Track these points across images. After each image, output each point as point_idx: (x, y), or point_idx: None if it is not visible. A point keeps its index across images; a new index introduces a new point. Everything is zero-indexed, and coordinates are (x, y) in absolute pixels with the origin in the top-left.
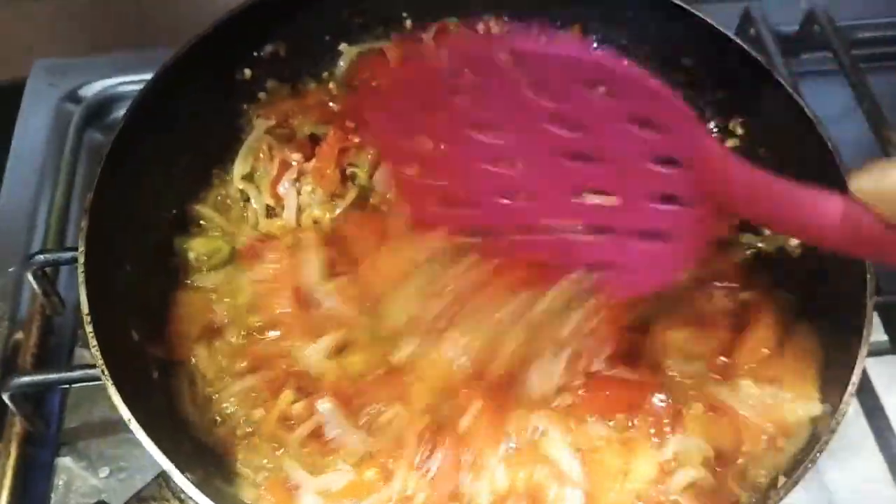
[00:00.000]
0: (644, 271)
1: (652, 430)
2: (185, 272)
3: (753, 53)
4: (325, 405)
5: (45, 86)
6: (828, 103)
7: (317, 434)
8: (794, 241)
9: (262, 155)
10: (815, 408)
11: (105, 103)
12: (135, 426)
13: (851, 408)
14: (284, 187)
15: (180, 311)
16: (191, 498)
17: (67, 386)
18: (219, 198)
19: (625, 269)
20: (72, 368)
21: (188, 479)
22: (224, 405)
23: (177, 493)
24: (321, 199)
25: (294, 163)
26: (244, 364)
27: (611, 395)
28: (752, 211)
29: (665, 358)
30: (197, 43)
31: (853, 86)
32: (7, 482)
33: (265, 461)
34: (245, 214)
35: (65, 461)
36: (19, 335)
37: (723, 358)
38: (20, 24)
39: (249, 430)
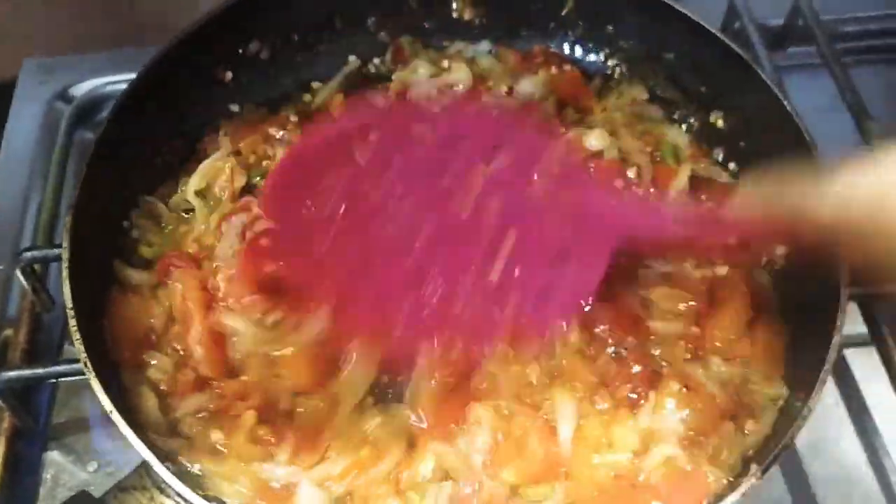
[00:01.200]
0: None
1: (633, 395)
2: (127, 261)
3: (734, 47)
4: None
5: (35, 84)
6: (812, 96)
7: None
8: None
9: (223, 176)
10: (780, 390)
11: (95, 102)
12: (116, 417)
13: (831, 397)
14: (230, 225)
15: (118, 311)
16: (171, 487)
17: (55, 381)
18: (169, 199)
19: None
20: (58, 363)
21: (168, 469)
22: (182, 420)
23: (157, 482)
24: None
25: (253, 209)
26: (191, 377)
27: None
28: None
29: (646, 314)
30: (181, 41)
31: (836, 78)
32: None
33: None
34: (187, 221)
35: (53, 455)
36: (8, 332)
37: (695, 328)
38: (11, 21)
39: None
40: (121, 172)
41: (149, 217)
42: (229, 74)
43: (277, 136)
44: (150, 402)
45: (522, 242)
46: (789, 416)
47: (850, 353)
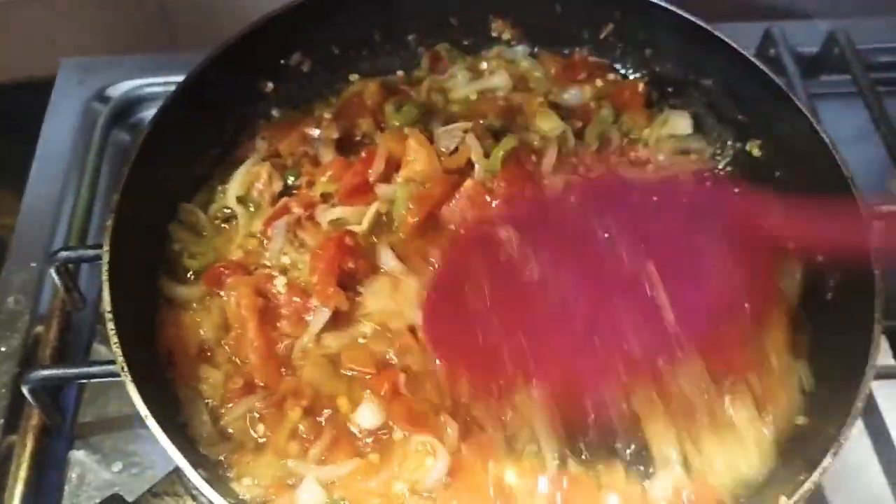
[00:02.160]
0: None
1: None
2: (173, 276)
3: (771, 75)
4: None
5: (72, 84)
6: (845, 125)
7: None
8: None
9: (261, 179)
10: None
11: (131, 103)
12: (151, 423)
13: (855, 428)
14: (277, 228)
15: (170, 330)
16: (202, 494)
17: (85, 381)
18: (209, 205)
19: None
20: (90, 364)
21: (201, 475)
22: (230, 424)
23: (189, 489)
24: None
25: (294, 210)
26: (240, 383)
27: None
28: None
29: None
30: (225, 49)
31: (870, 109)
32: (22, 474)
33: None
34: (227, 230)
35: (78, 455)
36: (39, 329)
37: None
38: (50, 21)
39: (260, 441)
40: (160, 178)
41: (187, 228)
42: (270, 85)
43: (314, 135)
44: (203, 416)
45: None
46: (816, 446)
47: (876, 385)
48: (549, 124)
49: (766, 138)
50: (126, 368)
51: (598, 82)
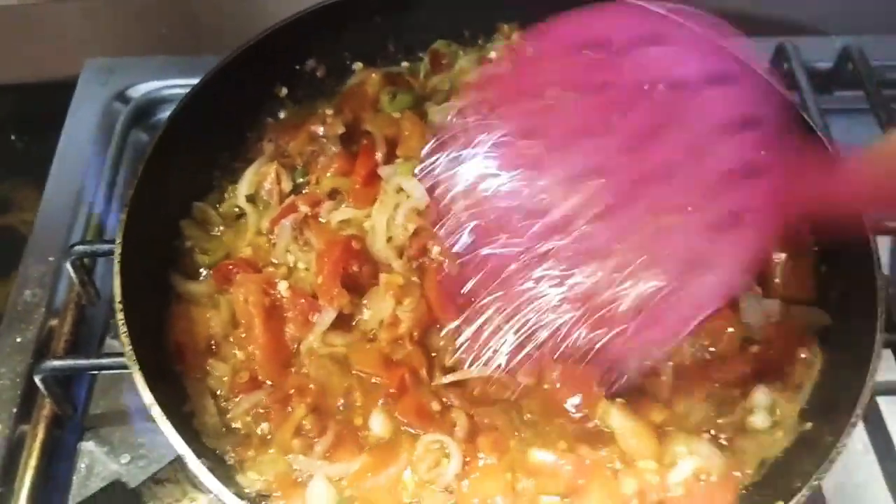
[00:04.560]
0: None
1: None
2: (184, 271)
3: (779, 87)
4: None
5: (96, 84)
6: (858, 141)
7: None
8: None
9: (269, 178)
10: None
11: (151, 104)
12: (155, 411)
13: (860, 443)
14: (282, 227)
15: (179, 323)
16: (204, 483)
17: (96, 373)
18: (219, 204)
19: None
20: (101, 356)
21: (203, 464)
22: (236, 418)
23: (191, 477)
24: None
25: (301, 208)
26: (246, 378)
27: None
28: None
29: None
30: (242, 53)
31: (882, 125)
32: (33, 462)
33: (275, 465)
34: (237, 227)
35: (88, 445)
36: (54, 322)
37: None
38: (77, 22)
39: (265, 437)
40: (174, 176)
41: (198, 225)
42: (285, 90)
43: (320, 133)
44: (210, 409)
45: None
46: (816, 452)
47: (882, 401)
48: None
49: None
50: (133, 358)
51: None
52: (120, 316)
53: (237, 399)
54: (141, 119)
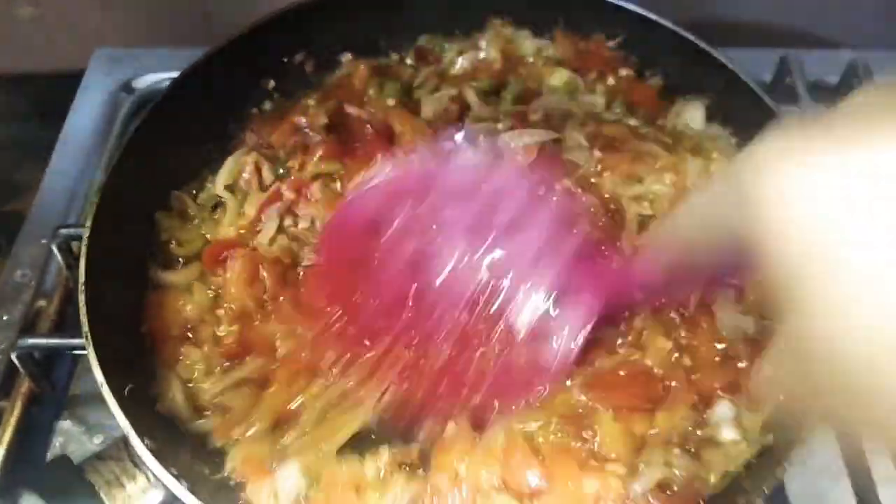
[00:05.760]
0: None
1: None
2: (161, 262)
3: (767, 100)
4: None
5: (102, 74)
6: None
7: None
8: None
9: (247, 168)
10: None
11: (154, 95)
12: (105, 389)
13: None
14: (269, 213)
15: (153, 311)
16: (144, 462)
17: (76, 352)
18: (197, 193)
19: None
20: (77, 336)
21: (146, 445)
22: (215, 398)
23: (133, 456)
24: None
25: (286, 195)
26: (225, 358)
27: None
28: None
29: None
30: (229, 44)
31: None
32: (6, 437)
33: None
34: (215, 217)
35: (65, 424)
36: (42, 303)
37: None
38: (86, 12)
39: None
40: (152, 164)
41: (175, 215)
42: (272, 83)
43: (302, 124)
44: (178, 393)
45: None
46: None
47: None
48: (558, 79)
49: None
50: (89, 336)
51: (611, 80)
52: (81, 298)
53: (210, 382)
54: (143, 109)
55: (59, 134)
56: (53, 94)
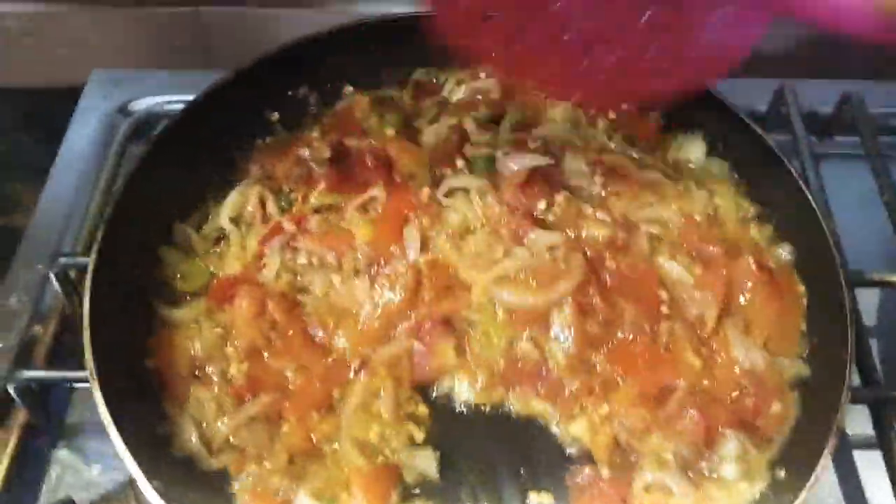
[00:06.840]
0: None
1: None
2: (166, 298)
3: (767, 139)
4: None
5: (100, 95)
6: (853, 188)
7: None
8: None
9: (251, 201)
10: None
11: (151, 119)
12: (111, 429)
13: (833, 498)
14: (272, 247)
15: (160, 349)
16: None
17: (70, 385)
18: (202, 226)
19: None
20: (77, 369)
21: (154, 487)
22: (229, 436)
23: (141, 499)
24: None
25: (286, 227)
26: (233, 395)
27: None
28: None
29: None
30: (234, 77)
31: (874, 171)
32: (2, 468)
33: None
34: (218, 250)
35: (62, 453)
36: (37, 329)
37: None
38: (87, 29)
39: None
40: (156, 196)
41: (179, 249)
42: (276, 115)
43: (305, 156)
44: (190, 431)
45: None
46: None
47: (858, 455)
48: (560, 112)
49: (758, 203)
50: (94, 372)
51: (611, 114)
52: (86, 334)
53: (223, 419)
54: (141, 133)
55: (51, 147)
56: (46, 107)
